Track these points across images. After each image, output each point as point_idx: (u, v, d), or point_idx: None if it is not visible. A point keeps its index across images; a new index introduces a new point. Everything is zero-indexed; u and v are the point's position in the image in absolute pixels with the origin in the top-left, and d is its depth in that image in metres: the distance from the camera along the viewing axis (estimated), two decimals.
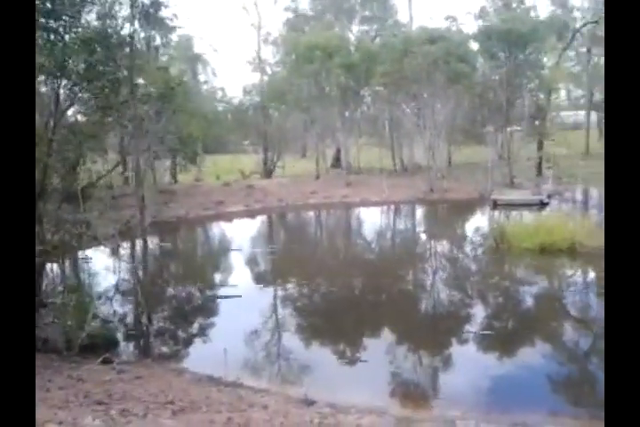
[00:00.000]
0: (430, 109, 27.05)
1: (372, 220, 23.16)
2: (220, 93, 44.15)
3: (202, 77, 46.30)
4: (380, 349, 8.61)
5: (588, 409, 6.47)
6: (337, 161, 35.18)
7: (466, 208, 23.33)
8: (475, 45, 33.12)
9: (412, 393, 7.12)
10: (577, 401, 6.83)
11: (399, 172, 32.28)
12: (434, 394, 7.16)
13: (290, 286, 12.77)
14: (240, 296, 11.09)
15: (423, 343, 8.83)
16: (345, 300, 11.38)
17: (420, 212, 24.51)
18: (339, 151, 34.67)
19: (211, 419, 5.01)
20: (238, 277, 13.42)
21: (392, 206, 24.81)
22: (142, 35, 19.34)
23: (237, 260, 15.79)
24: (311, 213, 25.21)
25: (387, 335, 9.42)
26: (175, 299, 12.08)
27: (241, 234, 20.27)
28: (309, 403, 6.17)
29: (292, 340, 9.23)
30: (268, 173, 33.78)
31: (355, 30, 44.10)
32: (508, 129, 30.30)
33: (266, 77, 39.71)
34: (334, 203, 24.91)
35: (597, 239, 13.25)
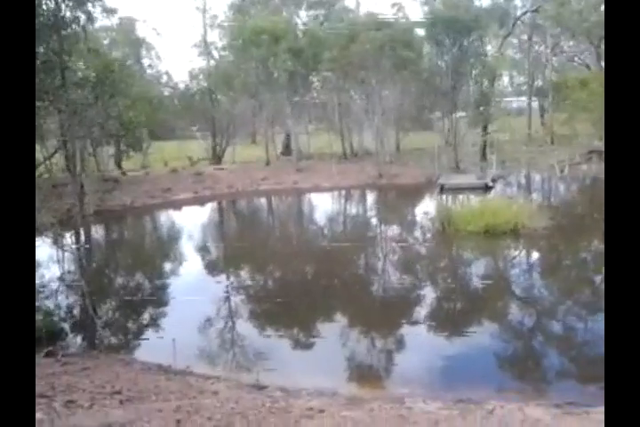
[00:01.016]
0: (378, 95, 27.25)
1: (323, 205, 23.24)
2: (165, 78, 42.91)
3: (146, 61, 44.86)
4: (333, 332, 8.69)
5: (531, 383, 6.80)
6: (287, 147, 35.00)
7: (414, 193, 23.74)
8: (421, 32, 33.50)
9: (365, 374, 7.26)
10: (521, 376, 7.11)
11: (349, 157, 32.45)
12: (386, 374, 7.33)
13: (242, 273, 12.70)
14: (184, 284, 10.97)
15: (376, 326, 8.97)
16: (297, 286, 11.42)
17: (369, 197, 24.78)
18: (288, 137, 34.48)
19: (159, 408, 4.95)
20: (188, 267, 13.23)
21: (342, 192, 24.97)
22: (79, 16, 18.41)
23: (187, 248, 15.55)
24: (262, 200, 25.06)
25: (340, 319, 9.51)
26: (123, 289, 11.81)
27: (190, 222, 19.94)
28: (260, 388, 6.19)
29: (245, 327, 9.21)
30: (217, 159, 33.25)
31: (302, 15, 43.69)
32: (454, 115, 30.95)
33: (213, 62, 38.87)
34: (285, 189, 24.85)
35: (538, 221, 13.86)
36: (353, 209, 22.90)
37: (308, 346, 8.39)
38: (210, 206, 23.84)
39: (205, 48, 38.42)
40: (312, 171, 27.10)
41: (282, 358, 7.85)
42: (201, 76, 36.76)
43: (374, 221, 19.49)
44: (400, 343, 8.34)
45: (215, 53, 40.61)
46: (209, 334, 8.79)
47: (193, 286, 11.38)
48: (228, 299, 10.64)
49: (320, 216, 20.81)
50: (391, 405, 5.48)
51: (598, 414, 5.07)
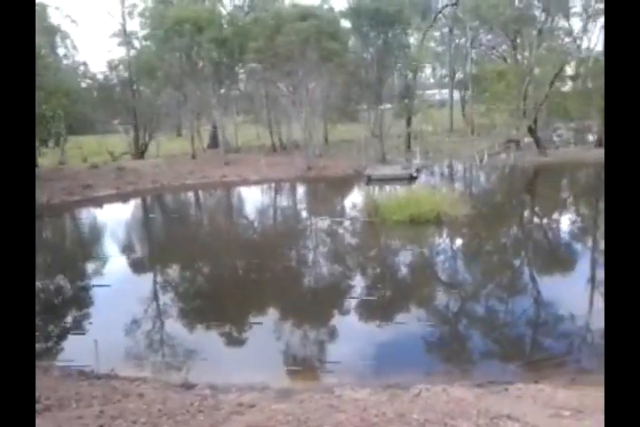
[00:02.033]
0: (305, 87, 27.25)
1: (252, 198, 23.04)
2: (82, 69, 40.82)
3: (61, 51, 42.54)
4: (265, 326, 8.65)
5: (457, 365, 7.06)
6: (214, 140, 34.37)
7: (342, 184, 24.00)
8: (347, 24, 33.76)
9: (297, 367, 7.25)
10: (448, 359, 7.36)
11: (278, 150, 32.33)
12: (318, 365, 7.36)
13: (169, 270, 12.37)
14: (109, 286, 10.54)
15: (308, 317, 9.00)
16: (228, 281, 11.27)
17: (299, 189, 24.81)
18: (215, 129, 33.85)
19: (80, 414, 4.72)
20: (112, 266, 12.73)
21: (272, 185, 24.85)
22: None
23: (111, 248, 14.95)
24: (189, 194, 24.49)
25: (272, 312, 9.46)
26: (43, 292, 11.18)
27: (113, 219, 19.16)
28: (189, 387, 6.06)
29: (173, 325, 8.96)
30: (140, 153, 32.12)
31: (227, 4, 42.82)
32: (380, 107, 31.52)
33: (133, 52, 37.36)
34: (213, 182, 24.41)
35: (459, 209, 14.39)
36: (283, 202, 22.84)
37: (240, 341, 8.31)
38: (133, 203, 22.98)
39: (125, 38, 36.85)
40: (240, 164, 26.77)
41: (213, 355, 7.72)
42: (121, 67, 35.21)
43: (304, 213, 19.55)
44: (331, 333, 8.42)
45: (137, 43, 39.10)
46: (136, 335, 8.49)
47: (118, 287, 10.94)
48: (155, 297, 10.34)
49: (249, 210, 20.62)
50: (321, 395, 5.52)
51: (515, 390, 5.35)
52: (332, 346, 7.92)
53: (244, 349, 8.04)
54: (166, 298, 10.38)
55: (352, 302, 9.52)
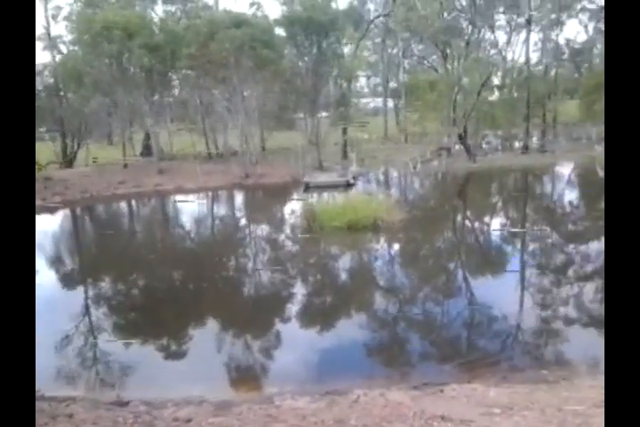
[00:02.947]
0: (241, 95, 27.11)
1: (188, 208, 22.55)
2: None
3: None
4: (205, 338, 8.48)
5: (395, 368, 7.17)
6: (147, 148, 33.49)
7: (280, 192, 23.97)
8: (281, 32, 33.88)
9: (237, 378, 7.15)
10: (387, 363, 7.46)
11: (214, 157, 31.92)
12: (258, 375, 7.27)
13: (103, 284, 11.88)
14: (41, 301, 9.98)
15: (247, 327, 8.88)
16: (166, 293, 10.96)
17: (236, 197, 24.56)
18: (148, 137, 33.00)
19: None
20: (39, 280, 12.08)
21: (209, 193, 24.46)
22: None
23: (38, 262, 14.21)
24: (121, 205, 23.68)
25: (212, 324, 9.27)
26: None
27: (39, 232, 18.21)
28: (122, 404, 5.82)
29: (107, 342, 8.57)
30: (68, 162, 30.81)
31: (158, 10, 42.01)
32: (317, 115, 31.80)
33: (59, 57, 35.92)
34: (146, 192, 23.73)
35: (395, 214, 14.71)
36: (220, 210, 22.53)
37: (178, 355, 8.08)
38: (61, 214, 21.93)
39: (50, 42, 35.38)
40: (175, 172, 26.22)
41: (148, 370, 7.47)
42: (46, 73, 33.76)
43: (242, 221, 19.37)
44: (272, 343, 8.34)
45: (63, 48, 37.64)
46: (66, 353, 8.08)
47: (46, 303, 10.39)
48: (86, 313, 9.90)
49: (186, 219, 20.19)
50: (260, 405, 5.45)
51: (450, 390, 5.49)
52: (273, 355, 7.85)
53: (181, 362, 7.82)
54: (98, 313, 9.95)
55: (292, 310, 9.50)
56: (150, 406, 5.78)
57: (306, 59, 33.38)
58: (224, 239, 16.54)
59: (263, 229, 17.23)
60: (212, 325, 9.23)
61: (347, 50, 38.25)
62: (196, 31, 29.24)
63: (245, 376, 7.22)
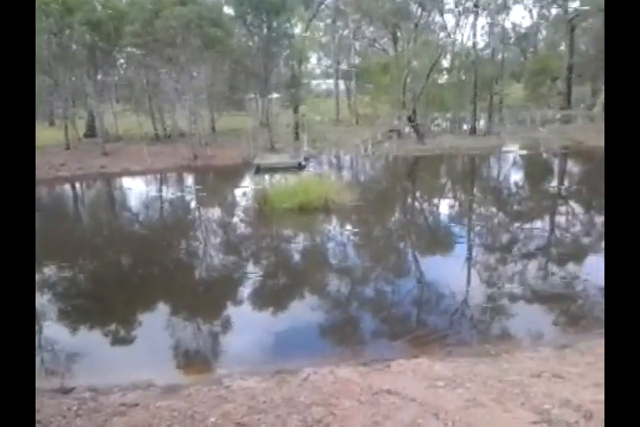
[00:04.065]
0: (189, 74, 26.40)
1: (134, 190, 21.95)
2: None
3: None
4: (155, 322, 8.34)
5: (347, 346, 7.26)
6: (91, 129, 32.25)
7: (231, 174, 23.65)
8: (230, 11, 33.09)
9: (186, 362, 7.07)
10: (339, 341, 7.53)
11: (162, 139, 31.10)
12: (208, 358, 7.23)
13: (46, 270, 11.45)
14: None
15: (199, 310, 8.79)
16: (113, 278, 10.67)
17: (186, 179, 24.05)
18: (92, 118, 31.77)
19: None
20: None
21: (157, 175, 23.84)
22: None
23: None
24: (65, 188, 22.80)
25: (161, 308, 9.09)
26: None
27: None
28: (66, 391, 5.67)
29: (54, 328, 8.31)
30: None
31: None
32: (268, 96, 31.41)
33: None
34: (90, 174, 22.91)
35: (346, 196, 14.79)
36: (169, 193, 22.00)
37: (127, 341, 7.92)
38: None
39: None
40: (121, 154, 25.42)
41: (95, 357, 7.30)
42: None
43: (191, 204, 19.01)
44: (223, 325, 8.30)
45: None
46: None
47: None
48: None
49: (133, 202, 19.65)
50: (209, 387, 5.41)
51: (397, 366, 5.61)
52: (223, 337, 7.82)
53: (129, 348, 7.68)
54: (43, 300, 9.60)
55: (243, 293, 9.45)
56: (96, 392, 5.65)
57: (256, 38, 32.76)
58: (172, 223, 16.23)
59: (213, 212, 17.00)
60: (161, 309, 9.06)
61: (297, 30, 37.83)
62: (140, 8, 28.13)
63: (195, 360, 7.16)
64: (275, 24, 31.57)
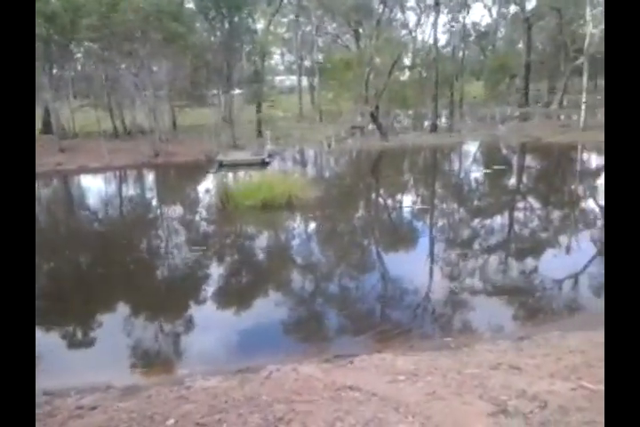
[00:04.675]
0: (149, 70, 25.87)
1: (93, 188, 21.44)
2: None
3: None
4: (114, 324, 8.17)
5: (311, 343, 7.27)
6: (47, 125, 31.21)
7: (193, 171, 23.32)
8: (192, 5, 32.57)
9: (147, 362, 6.95)
10: (303, 338, 7.55)
11: (121, 135, 30.41)
12: (170, 359, 7.12)
13: None
14: None
15: (162, 310, 8.65)
16: (72, 278, 10.39)
17: (146, 177, 23.62)
18: (48, 114, 30.76)
19: None
20: None
21: (116, 173, 23.32)
22: None
23: None
24: None
25: (122, 308, 8.90)
26: None
27: None
28: None
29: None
30: None
31: None
32: (230, 92, 31.07)
33: None
34: (46, 172, 22.17)
35: (310, 192, 14.77)
36: (129, 190, 21.59)
37: (85, 342, 7.73)
38: None
39: None
40: (78, 150, 24.74)
41: (51, 359, 7.08)
42: None
43: (153, 201, 18.69)
44: (186, 324, 8.18)
45: None
46: None
47: None
48: None
49: (91, 200, 19.18)
50: (170, 388, 5.33)
51: (360, 361, 5.65)
52: (185, 338, 7.71)
53: (87, 350, 7.49)
54: None
55: (206, 291, 9.34)
56: (51, 395, 5.49)
57: (218, 33, 32.31)
58: (132, 221, 15.91)
59: (174, 210, 16.73)
60: (121, 309, 8.87)
61: (260, 26, 37.52)
62: (97, 0, 27.34)
63: (156, 360, 7.05)
64: (236, 19, 31.21)
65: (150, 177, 23.57)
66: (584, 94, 28.57)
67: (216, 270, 10.60)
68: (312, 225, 14.14)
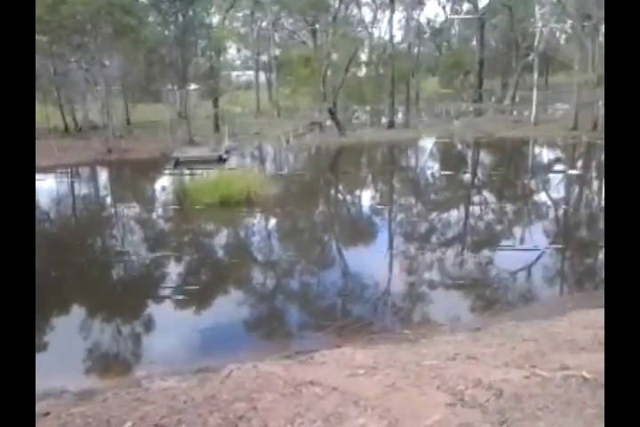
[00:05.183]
0: (100, 64, 25.13)
1: (43, 187, 20.67)
2: None
3: None
4: (70, 325, 7.99)
5: (273, 340, 7.26)
6: None
7: (148, 168, 22.83)
8: None
9: (103, 365, 6.78)
10: (265, 335, 7.57)
11: (72, 132, 29.51)
12: (126, 361, 6.98)
13: None
14: None
15: (119, 310, 8.46)
16: None
17: (99, 174, 22.98)
18: None
19: None
20: None
21: (67, 170, 22.57)
22: None
23: None
24: None
25: (75, 311, 8.66)
26: None
27: None
28: None
29: None
30: None
31: None
32: (186, 87, 30.51)
33: None
34: None
35: (269, 189, 14.71)
36: (81, 189, 20.94)
37: (38, 346, 7.45)
38: None
39: None
40: None
41: None
42: None
43: (107, 200, 18.21)
44: (144, 324, 8.03)
45: None
46: None
47: None
48: None
49: (41, 200, 18.49)
50: (127, 390, 5.20)
51: (320, 356, 5.66)
52: (143, 339, 7.56)
53: (39, 354, 7.22)
54: None
55: (164, 291, 9.17)
56: None
57: (172, 28, 31.62)
58: (84, 222, 15.46)
59: (130, 208, 16.32)
60: (75, 311, 8.63)
61: (215, 20, 36.93)
62: None
63: (112, 363, 6.88)
64: (191, 13, 30.60)
65: (104, 175, 22.95)
66: (535, 90, 29.42)
67: (173, 269, 10.41)
68: (272, 222, 14.08)
